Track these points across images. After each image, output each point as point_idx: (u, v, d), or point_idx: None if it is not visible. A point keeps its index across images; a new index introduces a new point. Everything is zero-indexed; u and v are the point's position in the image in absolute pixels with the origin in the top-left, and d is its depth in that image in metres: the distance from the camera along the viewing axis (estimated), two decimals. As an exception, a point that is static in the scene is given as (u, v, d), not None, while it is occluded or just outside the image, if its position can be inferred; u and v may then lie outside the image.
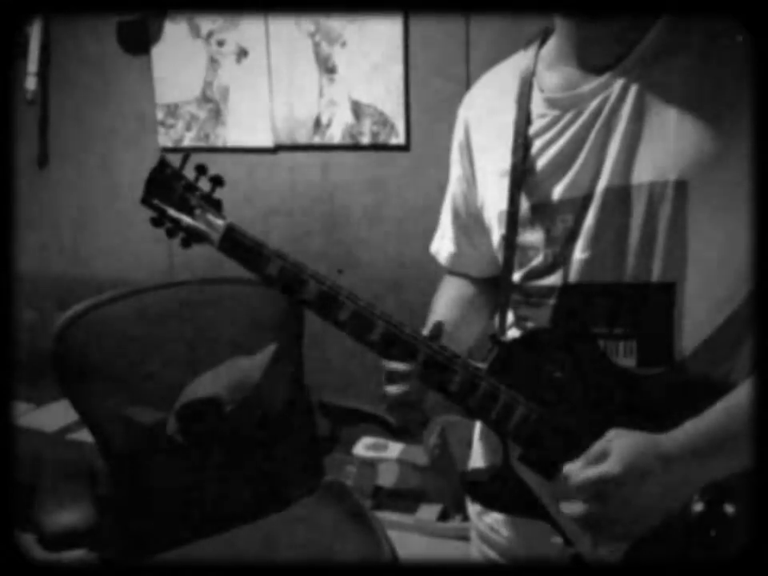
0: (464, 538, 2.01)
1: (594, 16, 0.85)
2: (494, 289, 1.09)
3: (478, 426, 1.10)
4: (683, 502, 0.82)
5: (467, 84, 2.12)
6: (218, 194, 0.93)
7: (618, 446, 0.80)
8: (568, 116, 0.88)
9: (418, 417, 0.94)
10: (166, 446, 1.64)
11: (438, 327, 0.90)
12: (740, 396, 0.80)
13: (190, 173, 0.93)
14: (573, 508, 0.81)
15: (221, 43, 2.42)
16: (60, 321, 1.53)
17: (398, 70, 2.20)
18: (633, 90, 0.84)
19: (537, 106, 0.92)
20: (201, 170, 0.92)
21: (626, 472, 0.77)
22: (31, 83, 2.61)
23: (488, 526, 1.05)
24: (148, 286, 1.73)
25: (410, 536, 2.13)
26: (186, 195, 0.92)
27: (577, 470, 0.81)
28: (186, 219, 0.91)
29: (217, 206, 0.92)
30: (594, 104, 0.86)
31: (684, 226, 0.82)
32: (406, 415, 0.94)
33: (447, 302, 1.09)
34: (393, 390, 0.91)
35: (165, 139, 2.57)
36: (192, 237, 0.92)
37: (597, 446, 0.81)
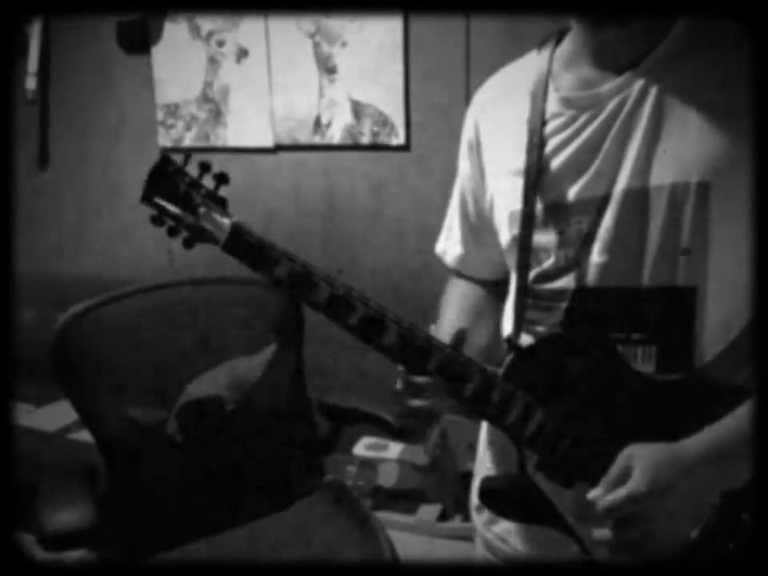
0: (464, 538, 2.02)
1: (602, 19, 0.83)
2: (499, 293, 1.08)
3: (483, 431, 1.08)
4: (707, 509, 0.81)
5: (467, 84, 2.12)
6: (222, 192, 0.89)
7: (640, 463, 0.78)
8: (585, 116, 0.86)
9: (428, 423, 0.92)
10: (166, 446, 1.64)
11: (462, 335, 0.88)
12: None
13: (193, 171, 0.88)
14: (604, 533, 0.80)
15: (221, 43, 2.42)
16: (60, 321, 1.52)
17: (398, 69, 2.20)
18: (652, 91, 0.83)
19: (552, 104, 0.90)
20: (204, 167, 0.87)
21: (652, 489, 0.76)
22: (31, 83, 2.60)
23: (497, 536, 1.03)
24: (148, 286, 1.73)
25: (410, 536, 2.13)
26: (189, 193, 0.86)
27: (601, 494, 0.79)
28: (190, 218, 0.86)
29: (222, 204, 0.87)
30: (612, 104, 0.84)
31: (706, 229, 0.81)
32: (419, 425, 0.92)
33: (457, 308, 1.07)
34: (416, 404, 0.88)
35: (165, 139, 2.57)
36: (196, 236, 0.88)
37: (617, 466, 0.80)
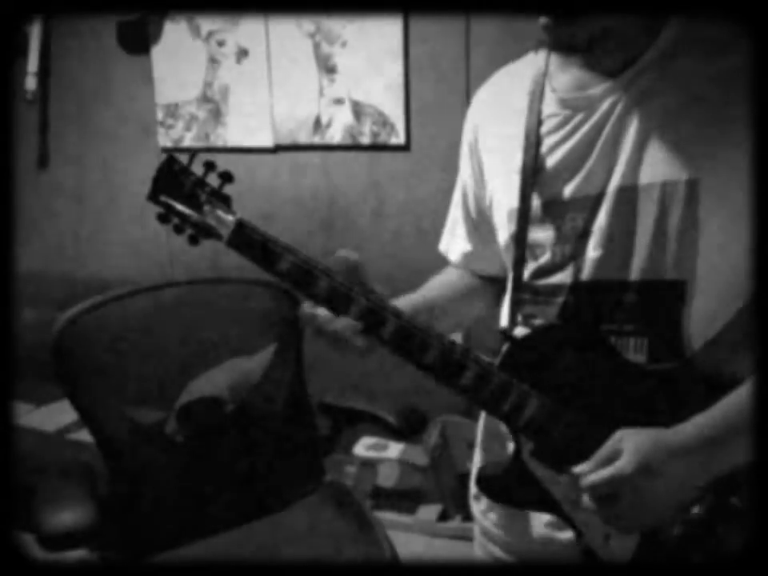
0: (464, 537, 2.02)
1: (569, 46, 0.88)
2: (491, 286, 1.12)
3: (480, 426, 1.10)
4: (695, 493, 0.83)
5: (467, 84, 2.12)
6: (225, 191, 0.92)
7: (629, 445, 0.81)
8: (579, 116, 0.89)
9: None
10: (165, 445, 1.64)
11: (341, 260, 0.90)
12: (748, 389, 0.81)
13: (198, 170, 0.91)
14: (591, 506, 0.82)
15: (221, 43, 2.42)
16: (60, 321, 1.52)
17: (398, 70, 2.20)
18: (644, 92, 0.85)
19: (549, 105, 0.92)
20: (209, 166, 0.90)
21: (639, 470, 0.79)
22: (31, 83, 2.60)
23: (493, 523, 1.05)
24: (147, 286, 1.73)
25: (410, 536, 2.13)
26: (195, 191, 0.90)
27: (588, 471, 0.82)
28: (195, 215, 0.90)
29: (226, 202, 0.90)
30: (605, 105, 0.87)
31: (695, 225, 0.83)
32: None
33: (440, 284, 1.11)
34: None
35: (165, 139, 2.57)
36: (201, 233, 0.91)
37: (607, 447, 0.83)
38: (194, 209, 0.90)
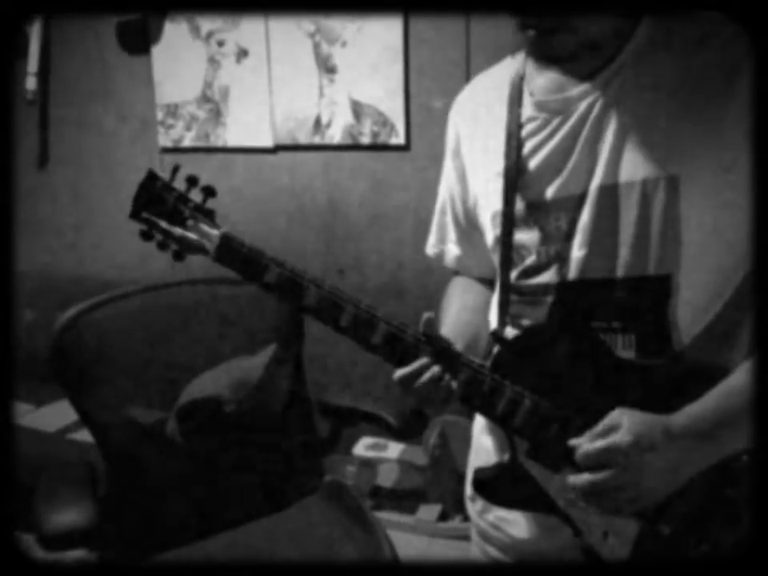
0: (464, 537, 2.02)
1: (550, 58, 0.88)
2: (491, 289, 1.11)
3: (476, 425, 1.10)
4: (686, 481, 0.84)
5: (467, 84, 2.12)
6: (215, 198, 0.92)
7: (627, 420, 0.82)
8: (558, 119, 0.90)
9: (439, 396, 0.91)
10: (166, 446, 1.64)
11: (430, 322, 0.90)
12: (740, 378, 0.82)
13: (180, 185, 0.92)
14: (581, 478, 0.83)
15: (221, 43, 2.42)
16: (60, 321, 1.52)
17: (398, 69, 2.20)
18: (620, 92, 0.86)
19: (527, 108, 0.93)
20: (192, 181, 0.91)
21: (635, 442, 0.80)
22: (31, 83, 2.61)
23: (490, 524, 1.05)
24: (147, 286, 1.73)
25: (410, 536, 2.13)
26: (178, 206, 0.91)
27: (585, 442, 0.83)
28: (179, 231, 0.90)
29: (210, 216, 0.91)
30: (582, 107, 0.88)
31: (677, 219, 0.84)
32: (423, 397, 0.91)
33: (458, 305, 1.09)
34: (402, 371, 0.89)
35: (165, 139, 2.57)
36: (185, 248, 0.91)
37: (605, 422, 0.84)
38: (177, 224, 0.90)
